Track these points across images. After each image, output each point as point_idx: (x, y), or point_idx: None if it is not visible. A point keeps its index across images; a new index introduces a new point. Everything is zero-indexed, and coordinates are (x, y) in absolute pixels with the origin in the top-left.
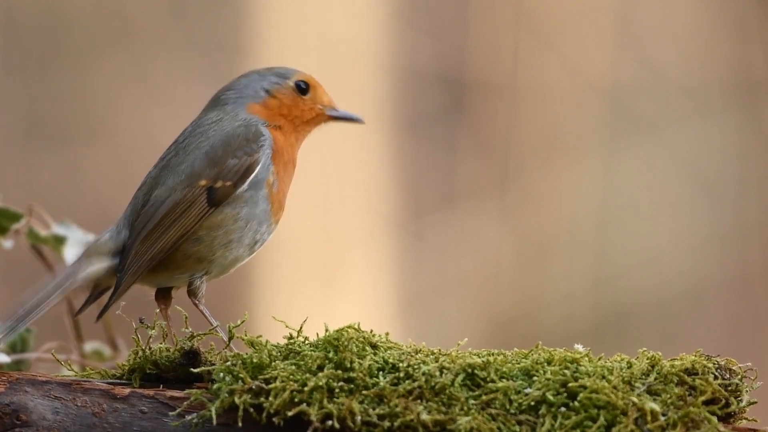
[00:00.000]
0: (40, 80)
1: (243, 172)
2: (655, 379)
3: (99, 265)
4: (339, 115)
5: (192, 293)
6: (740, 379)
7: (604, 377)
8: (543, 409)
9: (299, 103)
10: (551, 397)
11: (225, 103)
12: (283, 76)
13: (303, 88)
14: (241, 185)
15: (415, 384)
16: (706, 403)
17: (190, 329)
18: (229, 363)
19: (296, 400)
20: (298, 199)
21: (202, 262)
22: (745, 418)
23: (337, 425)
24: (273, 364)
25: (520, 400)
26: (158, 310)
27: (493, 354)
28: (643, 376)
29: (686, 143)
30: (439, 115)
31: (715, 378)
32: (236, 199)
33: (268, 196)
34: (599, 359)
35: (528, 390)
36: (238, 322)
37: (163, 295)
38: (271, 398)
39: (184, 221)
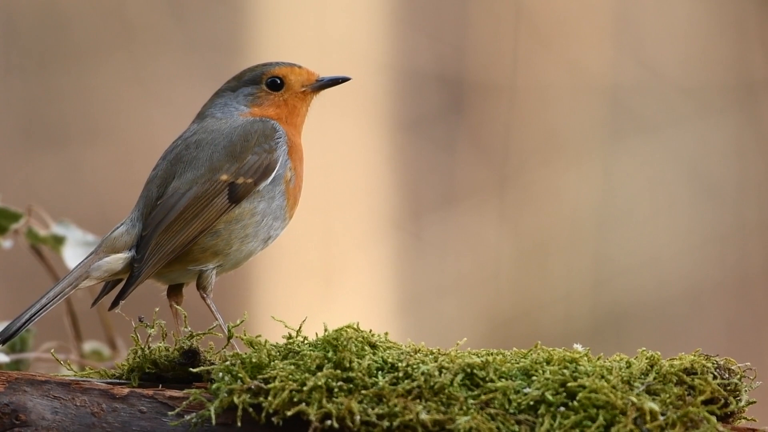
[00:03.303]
0: (40, 80)
1: (264, 170)
2: (654, 378)
3: (115, 260)
4: (324, 82)
5: (201, 286)
6: (739, 379)
7: (603, 377)
8: (542, 409)
9: (280, 99)
10: (550, 397)
11: (213, 115)
12: (255, 82)
13: (278, 83)
14: (262, 182)
15: (414, 384)
16: (705, 402)
17: (190, 328)
18: (228, 362)
19: (295, 399)
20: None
21: (218, 255)
22: (744, 418)
23: (336, 425)
24: (272, 363)
25: (519, 400)
26: (158, 309)
27: (492, 354)
28: (642, 376)
29: (686, 143)
30: (438, 115)
31: (714, 378)
32: (254, 193)
33: (285, 192)
34: (598, 359)
35: (527, 390)
36: (238, 321)
37: (175, 292)
38: (270, 398)
39: (205, 215)
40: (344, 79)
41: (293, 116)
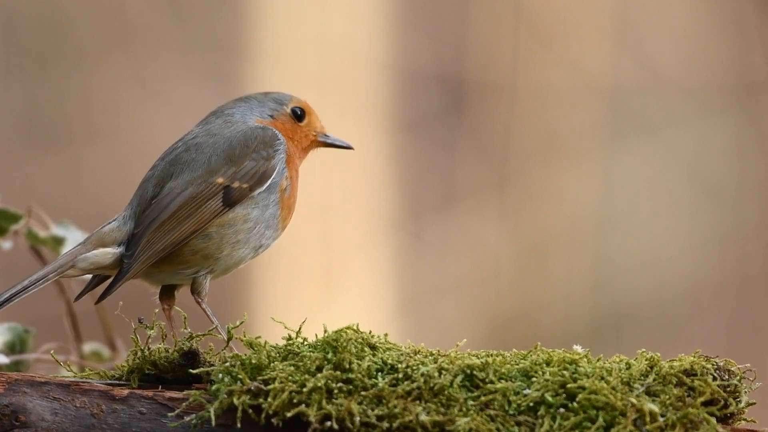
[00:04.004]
0: (40, 80)
1: (260, 177)
2: (654, 380)
3: (103, 254)
4: (331, 141)
5: (195, 291)
6: (739, 380)
7: (602, 378)
8: (542, 410)
9: (297, 129)
10: (550, 398)
11: (231, 115)
12: (280, 102)
13: (299, 114)
14: (257, 189)
15: (414, 385)
16: (705, 404)
17: (189, 329)
18: (227, 364)
19: (295, 401)
20: (298, 199)
21: (209, 260)
22: (744, 419)
23: (335, 426)
24: (272, 365)
25: (519, 401)
26: (157, 311)
27: (491, 355)
28: (642, 377)
29: (686, 144)
30: (438, 115)
31: (714, 379)
32: (248, 199)
33: (279, 201)
34: (598, 360)
35: (527, 391)
36: (237, 323)
37: (167, 295)
38: (270, 399)
39: (198, 216)
40: (348, 147)
41: (299, 145)
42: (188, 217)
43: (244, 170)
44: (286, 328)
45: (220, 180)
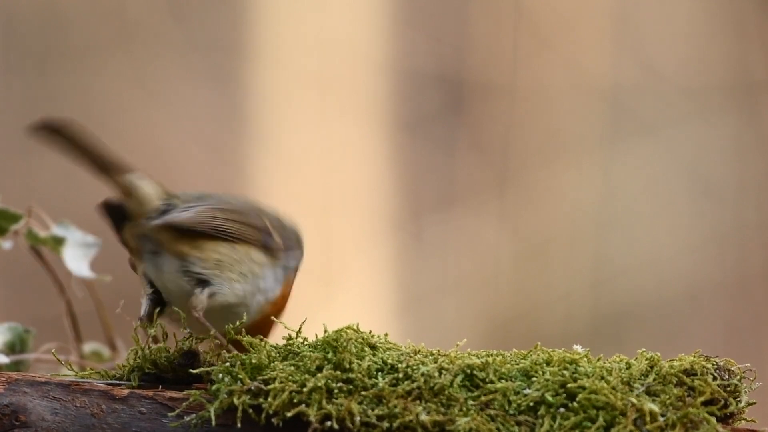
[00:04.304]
0: (40, 80)
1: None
2: (654, 379)
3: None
4: None
5: (192, 305)
6: (739, 380)
7: (603, 378)
8: (542, 410)
9: (290, 286)
10: (550, 398)
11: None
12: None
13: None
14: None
15: (414, 385)
16: (705, 403)
17: (189, 329)
18: (228, 363)
19: (295, 400)
20: (298, 199)
21: (219, 269)
22: (744, 419)
23: (336, 426)
24: (272, 364)
25: (519, 401)
26: (158, 310)
27: (492, 355)
28: (642, 377)
29: (686, 144)
30: (438, 115)
31: (714, 379)
32: (271, 258)
33: (282, 286)
34: (598, 360)
35: (527, 391)
36: (237, 323)
37: (149, 318)
38: (270, 399)
39: (241, 227)
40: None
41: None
42: (235, 221)
43: (280, 235)
44: (286, 327)
45: (267, 222)
